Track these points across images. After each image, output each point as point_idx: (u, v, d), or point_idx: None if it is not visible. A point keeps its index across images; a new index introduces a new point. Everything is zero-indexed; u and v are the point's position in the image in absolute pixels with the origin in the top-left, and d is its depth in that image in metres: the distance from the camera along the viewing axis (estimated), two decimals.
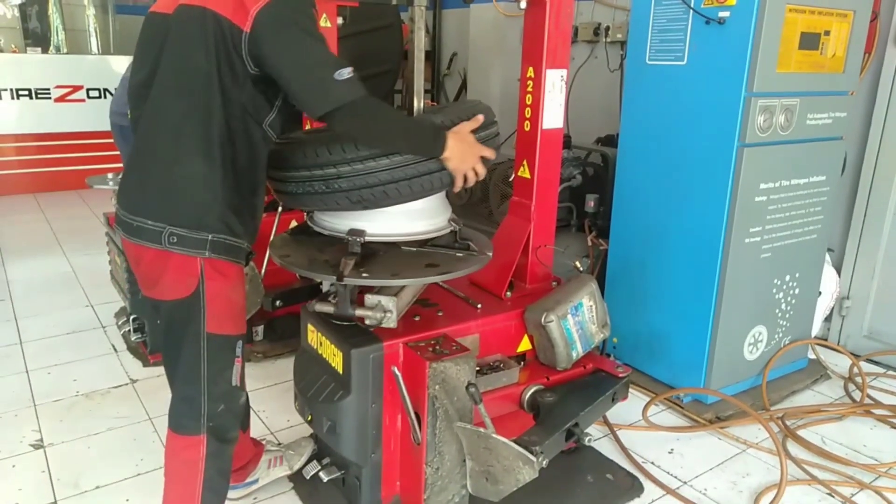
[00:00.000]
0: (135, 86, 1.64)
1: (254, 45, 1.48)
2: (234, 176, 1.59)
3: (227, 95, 1.53)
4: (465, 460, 1.70)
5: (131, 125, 1.70)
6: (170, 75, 1.56)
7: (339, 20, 3.03)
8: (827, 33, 2.50)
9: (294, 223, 2.37)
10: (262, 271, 2.58)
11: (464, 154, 1.70)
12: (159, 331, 1.73)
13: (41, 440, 2.38)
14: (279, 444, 2.23)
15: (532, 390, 1.97)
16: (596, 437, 2.42)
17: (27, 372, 2.86)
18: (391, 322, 1.74)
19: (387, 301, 1.73)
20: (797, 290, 2.81)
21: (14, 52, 6.19)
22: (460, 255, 1.83)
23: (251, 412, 2.09)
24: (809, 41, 2.45)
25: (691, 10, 2.43)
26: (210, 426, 1.67)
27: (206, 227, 1.55)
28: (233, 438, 1.77)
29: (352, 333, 1.78)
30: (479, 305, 2.04)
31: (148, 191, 1.58)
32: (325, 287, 2.04)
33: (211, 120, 1.53)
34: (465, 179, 1.74)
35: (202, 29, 1.50)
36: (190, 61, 1.52)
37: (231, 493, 1.91)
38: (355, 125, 1.56)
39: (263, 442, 2.15)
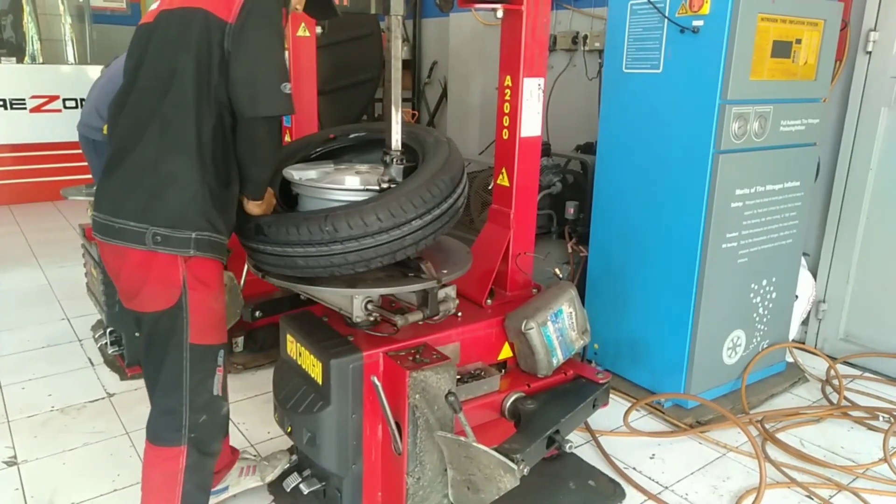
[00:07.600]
0: (118, 95, 1.67)
1: (234, 35, 1.53)
2: (214, 171, 1.60)
3: (208, 92, 1.56)
4: (446, 469, 1.69)
5: (108, 134, 1.69)
6: (150, 78, 1.58)
7: (319, 29, 3.02)
8: (798, 41, 2.55)
9: None
10: (242, 281, 2.56)
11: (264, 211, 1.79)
12: (140, 343, 1.71)
13: (15, 457, 2.33)
14: (256, 455, 2.21)
15: (513, 398, 1.97)
16: (577, 443, 2.43)
17: (0, 387, 2.80)
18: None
19: None
20: (774, 295, 2.85)
21: None
22: (410, 275, 1.83)
23: (231, 423, 2.07)
24: (781, 49, 2.50)
25: (666, 19, 2.47)
26: (191, 437, 1.66)
27: (189, 226, 1.56)
28: (215, 451, 1.74)
29: (331, 344, 1.77)
30: (460, 314, 2.03)
31: (129, 192, 1.57)
32: None
33: (190, 117, 1.55)
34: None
35: (186, 28, 1.54)
36: (171, 61, 1.55)
37: None
38: (266, 139, 1.61)
39: (241, 451, 2.13)
